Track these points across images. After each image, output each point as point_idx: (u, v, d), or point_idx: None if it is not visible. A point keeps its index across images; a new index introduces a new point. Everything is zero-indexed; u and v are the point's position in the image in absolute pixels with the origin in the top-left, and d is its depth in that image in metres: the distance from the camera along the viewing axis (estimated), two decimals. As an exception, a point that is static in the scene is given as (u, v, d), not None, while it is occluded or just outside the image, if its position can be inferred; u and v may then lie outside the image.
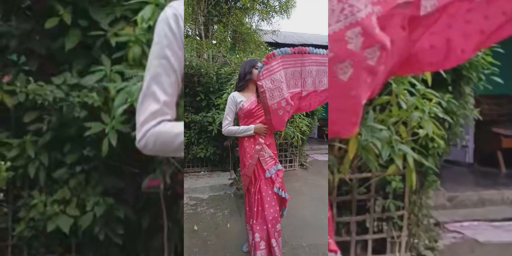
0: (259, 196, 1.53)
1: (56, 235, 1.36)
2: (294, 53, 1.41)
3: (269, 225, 1.47)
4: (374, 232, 1.48)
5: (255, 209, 1.52)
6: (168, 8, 0.64)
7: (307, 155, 4.84)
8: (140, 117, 0.63)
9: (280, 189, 1.56)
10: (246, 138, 1.61)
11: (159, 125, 0.62)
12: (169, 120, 0.64)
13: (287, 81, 1.43)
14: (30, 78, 1.29)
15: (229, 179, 3.41)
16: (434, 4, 0.54)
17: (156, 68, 0.62)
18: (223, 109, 3.28)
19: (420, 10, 0.55)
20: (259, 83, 1.34)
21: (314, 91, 1.53)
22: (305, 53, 1.43)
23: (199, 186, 3.31)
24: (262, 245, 1.48)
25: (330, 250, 0.84)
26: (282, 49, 1.39)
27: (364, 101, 0.59)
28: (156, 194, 1.29)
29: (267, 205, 1.50)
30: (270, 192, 1.54)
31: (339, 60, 0.51)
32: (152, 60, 0.63)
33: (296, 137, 3.37)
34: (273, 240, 1.47)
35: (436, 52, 0.64)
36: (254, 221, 1.50)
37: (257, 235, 1.48)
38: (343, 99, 0.58)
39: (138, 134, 0.63)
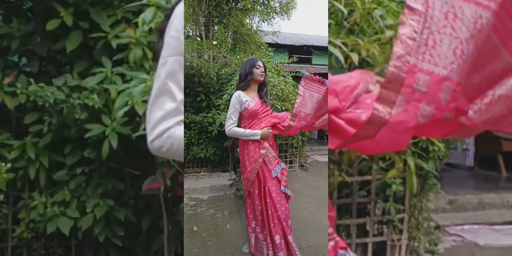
0: (269, 199, 1.54)
1: (56, 236, 1.37)
2: None
3: (284, 224, 1.52)
4: (374, 235, 1.48)
5: (270, 212, 1.53)
6: (182, 3, 0.62)
7: (307, 156, 4.83)
8: (154, 115, 0.56)
9: (286, 188, 1.60)
10: (250, 142, 1.58)
11: (177, 126, 0.57)
12: (183, 122, 0.60)
13: (317, 107, 1.41)
14: (31, 80, 1.28)
15: (229, 180, 3.41)
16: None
17: (174, 65, 0.58)
18: (224, 110, 3.28)
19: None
20: (301, 87, 1.32)
21: (319, 128, 1.53)
22: None
23: (199, 186, 3.31)
24: (283, 244, 1.53)
25: (341, 248, 0.83)
26: None
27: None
28: (156, 196, 1.29)
29: (278, 205, 1.54)
30: (278, 191, 1.56)
31: (428, 101, 0.51)
32: (169, 56, 0.58)
33: (296, 138, 3.37)
34: (289, 237, 1.53)
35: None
36: (272, 224, 1.52)
37: (277, 236, 1.51)
38: (406, 136, 0.58)
39: (152, 133, 0.56)
